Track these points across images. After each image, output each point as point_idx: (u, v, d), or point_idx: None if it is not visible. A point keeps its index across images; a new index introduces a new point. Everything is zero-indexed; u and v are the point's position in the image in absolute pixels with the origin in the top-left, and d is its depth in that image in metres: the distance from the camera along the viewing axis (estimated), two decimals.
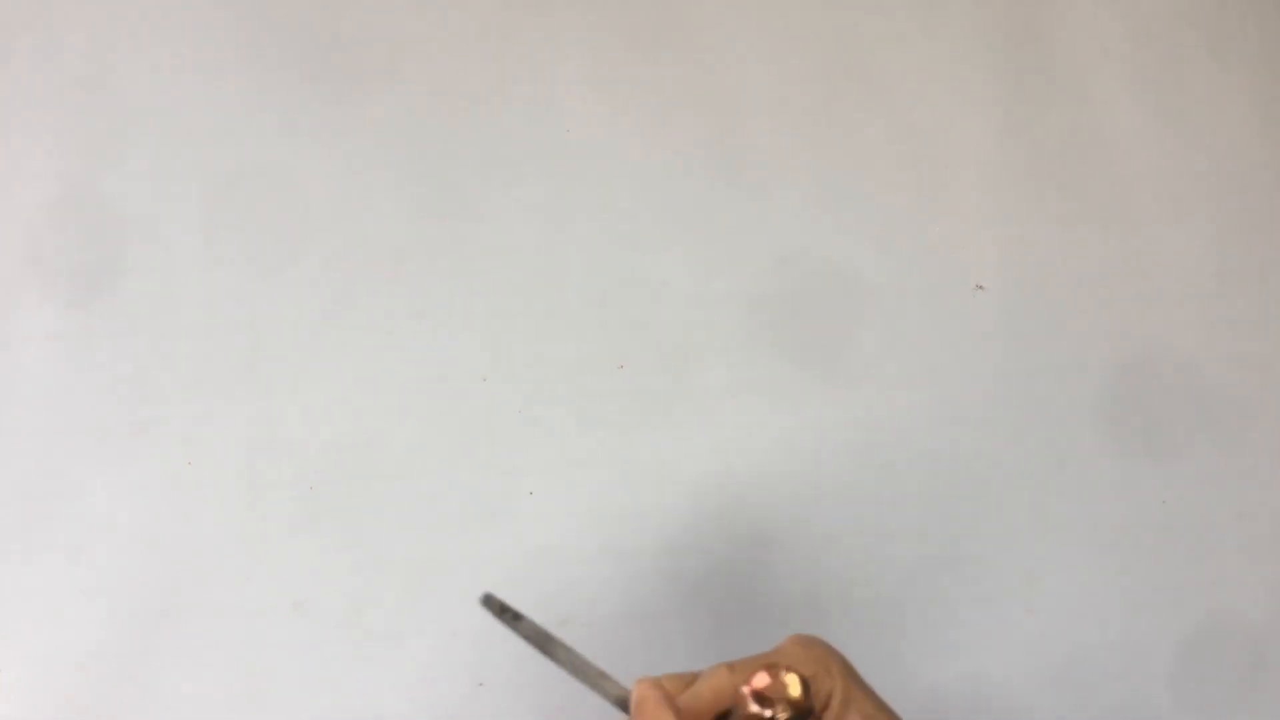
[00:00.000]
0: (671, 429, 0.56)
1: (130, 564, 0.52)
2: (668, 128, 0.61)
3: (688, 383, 0.57)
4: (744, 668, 0.34)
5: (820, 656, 0.36)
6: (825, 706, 0.35)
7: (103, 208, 0.56)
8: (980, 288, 0.60)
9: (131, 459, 0.53)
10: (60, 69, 0.57)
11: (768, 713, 0.31)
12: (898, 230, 0.61)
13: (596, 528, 0.54)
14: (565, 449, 0.55)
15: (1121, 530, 0.58)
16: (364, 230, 0.57)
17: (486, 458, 0.55)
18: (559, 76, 0.61)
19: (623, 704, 0.35)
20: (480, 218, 0.58)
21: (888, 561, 0.56)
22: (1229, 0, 0.67)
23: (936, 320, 0.60)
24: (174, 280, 0.55)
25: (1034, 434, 0.59)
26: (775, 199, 0.60)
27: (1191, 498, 0.59)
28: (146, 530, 0.52)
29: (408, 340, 0.56)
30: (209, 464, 0.53)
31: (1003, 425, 0.59)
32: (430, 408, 0.55)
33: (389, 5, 0.61)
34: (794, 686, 0.31)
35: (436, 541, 0.53)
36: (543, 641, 0.36)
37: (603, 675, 0.35)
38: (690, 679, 0.36)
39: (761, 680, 0.31)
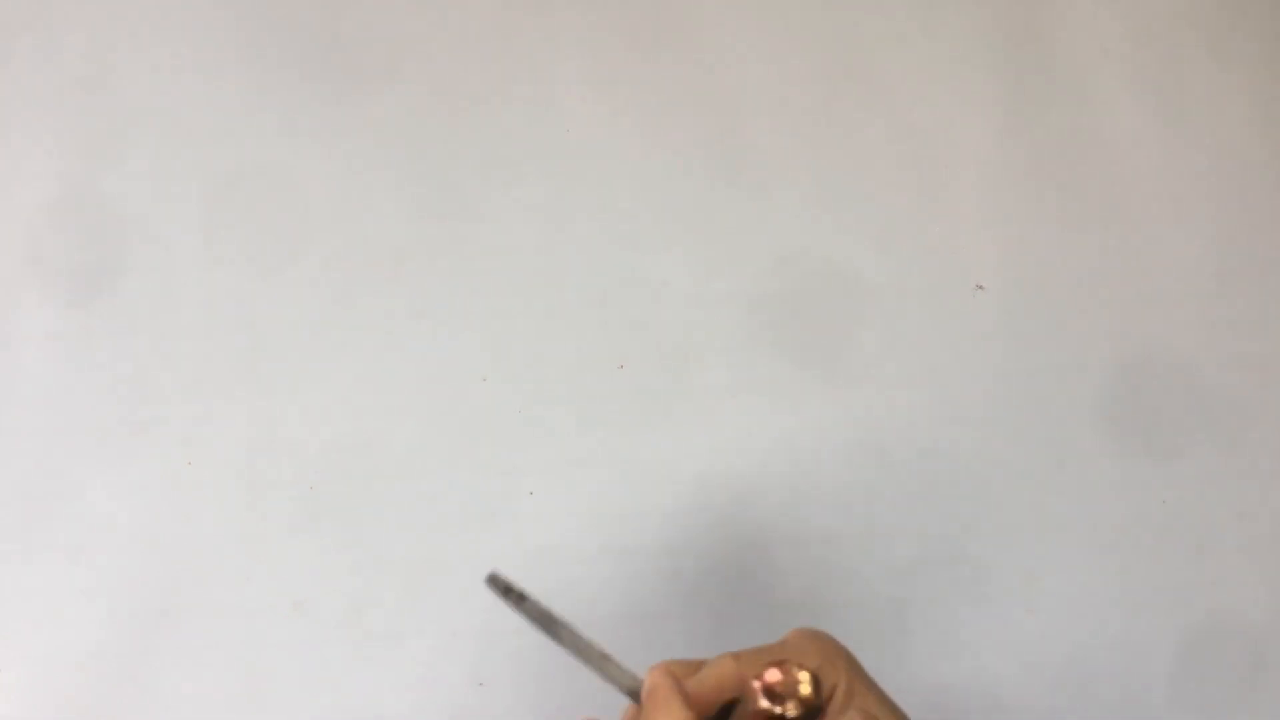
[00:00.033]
0: (671, 429, 0.56)
1: (130, 564, 0.52)
2: (668, 128, 0.61)
3: (688, 383, 0.57)
4: (750, 658, 0.35)
5: (825, 649, 0.36)
6: (829, 698, 0.35)
7: (103, 208, 0.56)
8: (980, 288, 0.60)
9: (131, 459, 0.53)
10: (60, 69, 0.57)
11: (778, 709, 0.31)
12: (898, 230, 0.61)
13: (596, 528, 0.54)
14: (565, 449, 0.55)
15: (1121, 530, 0.58)
16: (364, 230, 0.57)
17: (486, 458, 0.55)
18: (559, 76, 0.61)
19: (628, 689, 0.35)
20: (480, 218, 0.58)
21: (887, 561, 0.56)
22: (1229, 0, 0.67)
23: (936, 320, 0.60)
24: (174, 280, 0.55)
25: (1034, 434, 0.59)
26: (775, 199, 0.60)
27: (1191, 498, 0.59)
28: (146, 530, 0.52)
29: (408, 340, 0.56)
30: (209, 464, 0.53)
31: (1003, 425, 0.59)
32: (430, 408, 0.55)
33: (389, 5, 0.61)
34: (805, 684, 0.31)
35: (436, 541, 0.53)
36: (547, 623, 0.35)
37: (606, 658, 0.35)
38: (696, 666, 0.36)
39: (773, 675, 0.31)
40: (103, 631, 0.51)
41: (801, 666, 0.31)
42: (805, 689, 0.31)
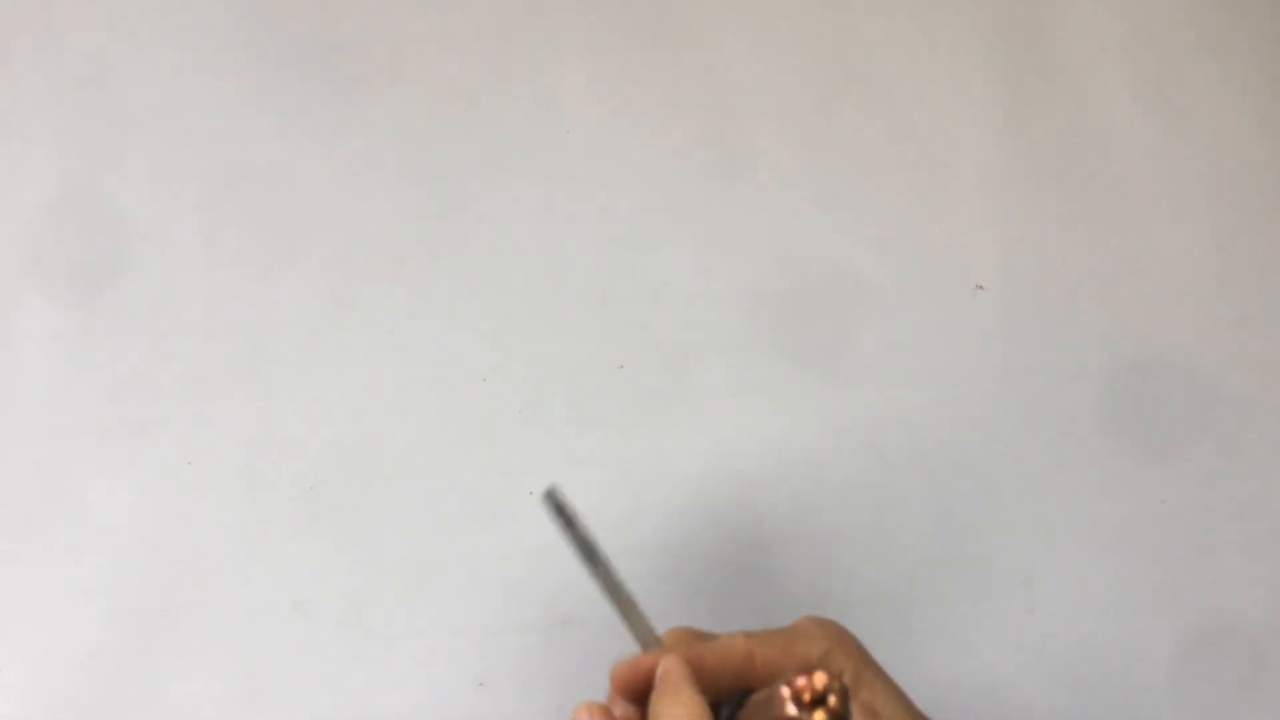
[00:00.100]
0: (671, 429, 0.56)
1: (130, 564, 0.52)
2: (668, 128, 0.61)
3: (688, 383, 0.57)
4: (762, 639, 0.35)
5: (835, 634, 0.37)
6: None
7: (103, 208, 0.56)
8: (980, 288, 0.60)
9: (131, 459, 0.53)
10: (60, 69, 0.57)
11: (805, 716, 0.31)
12: (898, 230, 0.61)
13: (596, 528, 0.54)
14: (565, 449, 0.55)
15: (1121, 530, 0.58)
16: (364, 230, 0.57)
17: (486, 458, 0.55)
18: (559, 76, 0.61)
19: (644, 642, 0.36)
20: (480, 218, 0.58)
21: (887, 561, 0.56)
22: (1229, 0, 0.67)
23: (936, 320, 0.60)
24: (174, 280, 0.55)
25: (1034, 434, 0.59)
26: (775, 199, 0.60)
27: (1191, 498, 0.59)
28: (146, 530, 0.52)
29: (408, 340, 0.56)
30: (209, 464, 0.53)
31: (1003, 425, 0.58)
32: (430, 408, 0.55)
33: (389, 5, 0.61)
34: (835, 695, 0.30)
35: (436, 541, 0.53)
36: (588, 553, 0.36)
37: (633, 605, 0.36)
38: (709, 637, 0.36)
39: (802, 682, 0.31)
40: (102, 631, 0.51)
41: (835, 677, 0.30)
42: (834, 700, 0.30)
